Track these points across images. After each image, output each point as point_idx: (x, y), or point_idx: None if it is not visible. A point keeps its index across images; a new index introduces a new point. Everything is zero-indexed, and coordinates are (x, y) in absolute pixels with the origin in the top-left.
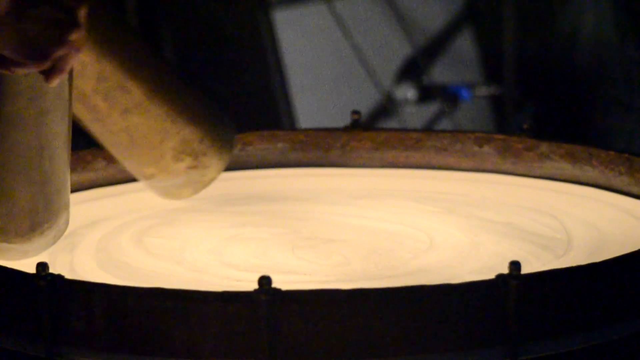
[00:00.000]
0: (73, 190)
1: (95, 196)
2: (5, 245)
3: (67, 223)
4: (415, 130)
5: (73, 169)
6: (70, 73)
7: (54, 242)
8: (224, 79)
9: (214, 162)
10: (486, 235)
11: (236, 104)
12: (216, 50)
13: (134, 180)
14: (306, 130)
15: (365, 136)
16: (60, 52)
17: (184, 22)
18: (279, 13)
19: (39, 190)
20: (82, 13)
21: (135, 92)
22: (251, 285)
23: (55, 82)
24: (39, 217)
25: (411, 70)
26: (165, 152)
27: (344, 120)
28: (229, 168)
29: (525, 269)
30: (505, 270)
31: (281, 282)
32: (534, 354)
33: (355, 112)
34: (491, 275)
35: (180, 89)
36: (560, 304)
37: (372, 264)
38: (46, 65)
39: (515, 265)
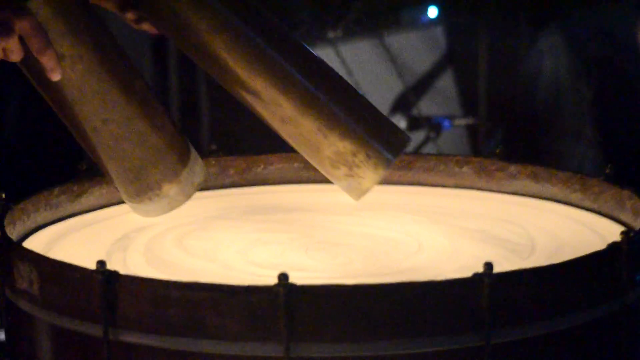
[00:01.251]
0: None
1: None
2: (129, 204)
3: (180, 194)
4: (407, 153)
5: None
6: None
7: (172, 209)
8: (250, 111)
9: (368, 174)
10: (464, 240)
11: (260, 132)
12: None
13: None
14: None
15: None
16: None
17: None
18: None
19: (128, 165)
20: (17, 25)
21: (286, 107)
22: (271, 280)
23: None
24: (135, 187)
25: (402, 104)
26: (323, 159)
27: None
28: (253, 184)
29: (496, 269)
30: (480, 269)
31: (296, 278)
32: (503, 339)
33: None
34: (469, 274)
35: (333, 108)
36: (525, 297)
37: (371, 264)
38: None
39: (488, 265)
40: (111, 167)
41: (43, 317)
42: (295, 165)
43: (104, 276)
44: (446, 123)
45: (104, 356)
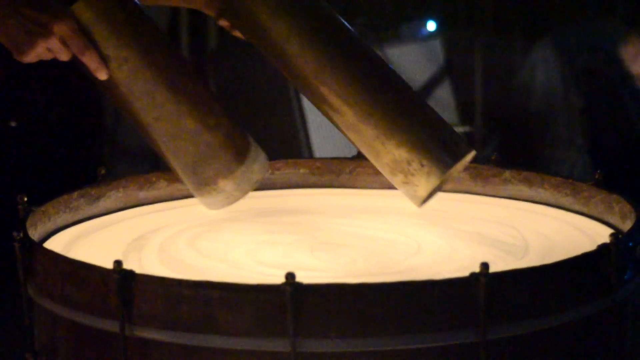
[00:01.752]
0: (140, 204)
1: (159, 209)
2: (195, 196)
3: (236, 189)
4: None
5: (141, 188)
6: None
7: (231, 202)
8: (258, 118)
9: (422, 182)
10: (461, 242)
11: (268, 138)
12: (251, 97)
13: (188, 197)
14: (322, 159)
15: (368, 164)
16: (32, 52)
17: (227, 77)
18: None
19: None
20: (56, 28)
21: (348, 115)
22: (279, 279)
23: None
24: (193, 181)
25: None
26: (383, 166)
27: (350, 149)
28: (261, 188)
29: (492, 269)
30: (476, 269)
31: (302, 277)
32: (499, 335)
33: None
34: (465, 273)
35: (392, 116)
36: (520, 295)
37: (373, 264)
38: (26, 59)
39: (484, 265)
40: (170, 162)
41: (63, 314)
42: (301, 171)
43: (120, 275)
44: None
45: (121, 351)
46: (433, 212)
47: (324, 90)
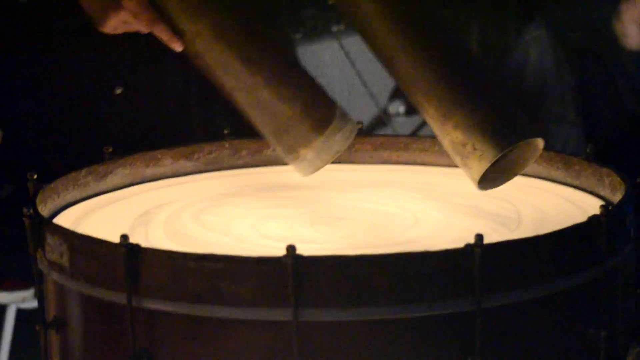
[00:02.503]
0: (146, 181)
1: (164, 185)
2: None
3: (317, 158)
4: (404, 136)
5: (147, 165)
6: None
7: (316, 170)
8: None
9: (475, 165)
10: (457, 215)
11: None
12: None
13: (192, 173)
14: None
15: (367, 140)
16: (107, 24)
17: None
18: (301, 48)
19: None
20: (125, 3)
21: (414, 95)
22: (281, 251)
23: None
24: (279, 148)
25: (400, 91)
26: (446, 146)
27: None
28: (263, 164)
29: (486, 240)
30: (472, 240)
31: (303, 249)
32: (493, 304)
33: (359, 122)
34: (461, 244)
35: (453, 97)
36: (513, 265)
37: (372, 236)
38: (104, 30)
39: (479, 237)
40: (258, 129)
41: (72, 287)
42: None
43: (127, 249)
44: None
45: (128, 322)
46: (430, 187)
47: (391, 69)
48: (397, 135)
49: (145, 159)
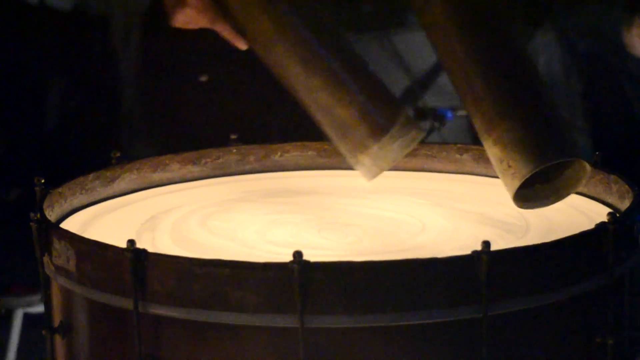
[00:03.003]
0: (154, 186)
1: (171, 190)
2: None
3: (373, 165)
4: None
5: (154, 170)
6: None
7: (374, 176)
8: (269, 103)
9: (509, 183)
10: (464, 222)
11: (280, 124)
12: (264, 81)
13: (199, 179)
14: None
15: None
16: (175, 20)
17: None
18: None
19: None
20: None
21: (466, 102)
22: (287, 257)
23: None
24: (341, 151)
25: (409, 96)
26: (490, 160)
27: None
28: (270, 170)
29: (493, 247)
30: (478, 247)
31: (310, 255)
32: (499, 311)
33: None
34: (468, 251)
35: (497, 113)
36: (520, 273)
37: (379, 242)
38: (174, 25)
39: (486, 244)
40: (322, 129)
41: (79, 291)
42: (309, 153)
43: (134, 254)
44: (449, 114)
45: (134, 327)
46: (437, 193)
47: (452, 78)
48: None
49: (153, 164)
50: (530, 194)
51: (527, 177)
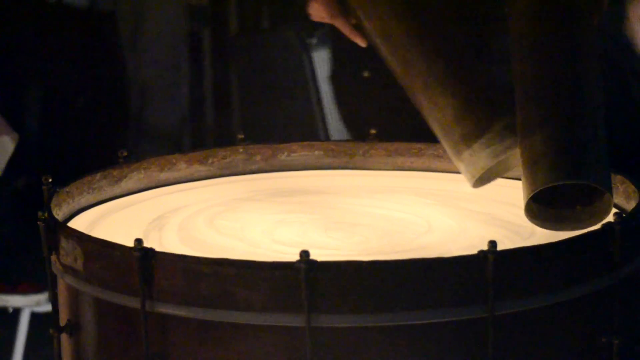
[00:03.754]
0: (161, 185)
1: (179, 189)
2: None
3: (465, 172)
4: (418, 142)
5: (161, 170)
6: None
7: (470, 182)
8: (276, 103)
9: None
10: (471, 222)
11: (285, 122)
12: (270, 82)
13: (206, 178)
14: (336, 141)
15: (381, 146)
16: (310, 14)
17: (247, 63)
18: (316, 53)
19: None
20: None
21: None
22: (294, 257)
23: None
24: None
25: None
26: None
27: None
28: (277, 169)
29: (500, 247)
30: (485, 247)
31: (317, 255)
32: (506, 311)
33: (372, 129)
34: (474, 251)
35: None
36: (526, 273)
37: (386, 242)
38: (313, 19)
39: (492, 244)
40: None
41: (86, 291)
42: (316, 152)
43: (141, 253)
44: None
45: (142, 326)
46: (444, 193)
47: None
48: (411, 142)
49: (160, 164)
50: (550, 213)
51: (539, 189)
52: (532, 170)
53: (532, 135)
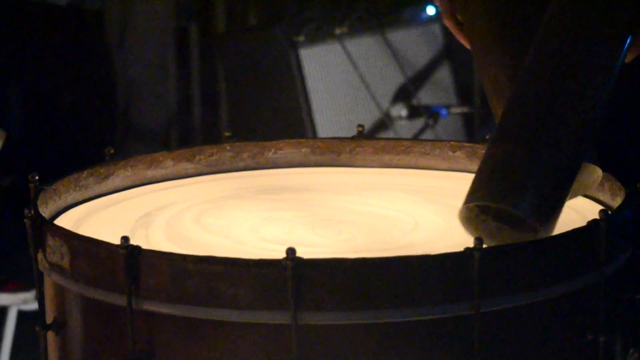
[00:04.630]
0: (148, 183)
1: (165, 187)
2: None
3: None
4: (405, 139)
5: (148, 167)
6: None
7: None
8: (264, 101)
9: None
10: (457, 219)
11: (272, 120)
12: (258, 80)
13: (193, 176)
14: (323, 138)
15: (368, 143)
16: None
17: (234, 61)
18: (304, 51)
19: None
20: None
21: None
22: (281, 254)
23: None
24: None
25: (403, 94)
26: None
27: (352, 131)
28: (264, 167)
29: (485, 245)
30: (471, 245)
31: (303, 253)
32: (492, 308)
33: (360, 125)
34: (461, 249)
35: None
36: (512, 270)
37: (372, 240)
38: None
39: (478, 241)
40: None
41: (72, 288)
42: (303, 150)
43: (127, 251)
44: (443, 111)
45: (128, 323)
46: (430, 190)
47: None
48: (398, 139)
49: (147, 161)
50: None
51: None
52: (475, 179)
53: (492, 144)
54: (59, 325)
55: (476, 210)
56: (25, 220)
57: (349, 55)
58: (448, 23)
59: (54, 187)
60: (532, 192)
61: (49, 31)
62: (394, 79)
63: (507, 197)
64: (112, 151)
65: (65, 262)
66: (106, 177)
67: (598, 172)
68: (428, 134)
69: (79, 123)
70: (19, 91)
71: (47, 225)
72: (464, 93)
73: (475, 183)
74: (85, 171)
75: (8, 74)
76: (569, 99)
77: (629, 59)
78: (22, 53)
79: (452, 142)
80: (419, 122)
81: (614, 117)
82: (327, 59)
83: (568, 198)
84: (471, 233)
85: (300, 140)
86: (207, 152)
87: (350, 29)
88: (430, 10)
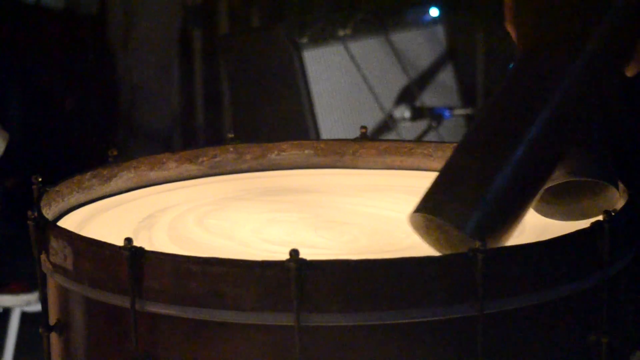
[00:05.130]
0: (151, 184)
1: (169, 188)
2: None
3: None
4: (408, 141)
5: (151, 169)
6: None
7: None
8: (267, 102)
9: None
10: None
11: (275, 121)
12: (261, 81)
13: (196, 177)
14: (326, 140)
15: (371, 145)
16: None
17: (237, 62)
18: (307, 52)
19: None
20: None
21: None
22: (284, 256)
23: None
24: None
25: (406, 96)
26: None
27: (355, 133)
28: (267, 168)
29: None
30: (474, 246)
31: (306, 254)
32: (495, 309)
33: (363, 127)
34: (464, 250)
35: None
36: (516, 271)
37: (375, 241)
38: None
39: (482, 242)
40: None
41: (76, 290)
42: (306, 152)
43: (131, 252)
44: (446, 113)
45: (131, 325)
46: None
47: None
48: (401, 140)
49: (150, 163)
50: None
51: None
52: (429, 188)
53: (452, 154)
54: (62, 327)
55: (422, 219)
56: (28, 221)
57: (352, 56)
58: (510, 29)
59: (57, 189)
60: (476, 208)
61: (45, 33)
62: (397, 81)
63: (446, 210)
64: (115, 153)
65: (69, 264)
66: (109, 179)
67: (614, 193)
68: (431, 136)
69: (82, 125)
70: (20, 93)
71: (50, 227)
72: (467, 95)
73: (426, 192)
74: (89, 173)
75: (9, 74)
76: (521, 119)
77: (630, 74)
78: (23, 55)
79: (455, 144)
80: (422, 124)
81: (615, 118)
82: (330, 61)
83: (584, 218)
84: (422, 237)
85: (303, 141)
86: (210, 154)
87: (354, 31)
88: (434, 12)
